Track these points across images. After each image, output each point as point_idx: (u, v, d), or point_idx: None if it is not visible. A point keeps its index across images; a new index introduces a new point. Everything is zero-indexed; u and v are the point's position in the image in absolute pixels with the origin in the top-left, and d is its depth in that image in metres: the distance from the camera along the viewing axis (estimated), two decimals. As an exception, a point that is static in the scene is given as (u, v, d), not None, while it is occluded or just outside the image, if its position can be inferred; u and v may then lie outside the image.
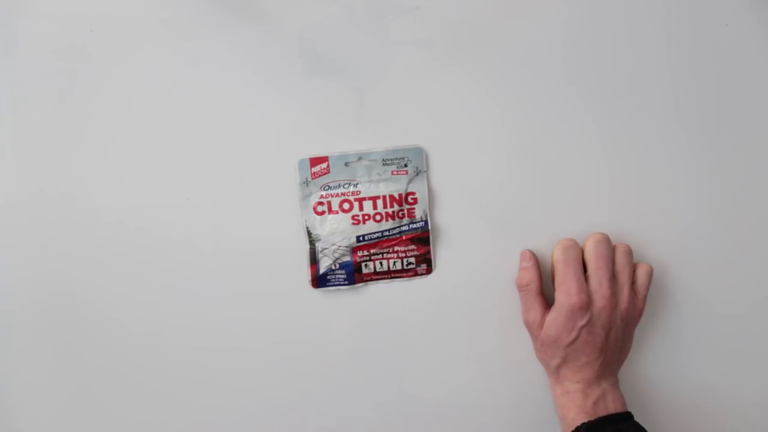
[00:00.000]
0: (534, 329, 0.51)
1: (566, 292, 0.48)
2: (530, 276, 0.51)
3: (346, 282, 0.53)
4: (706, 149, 0.53)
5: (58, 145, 0.53)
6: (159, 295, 0.54)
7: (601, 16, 0.52)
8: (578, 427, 0.47)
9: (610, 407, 0.48)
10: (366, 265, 0.53)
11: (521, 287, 0.51)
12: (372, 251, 0.53)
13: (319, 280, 0.53)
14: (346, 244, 0.53)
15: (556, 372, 0.50)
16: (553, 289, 0.50)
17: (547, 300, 0.52)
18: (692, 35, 0.52)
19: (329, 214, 0.53)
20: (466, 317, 0.54)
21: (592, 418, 0.47)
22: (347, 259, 0.53)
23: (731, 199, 0.53)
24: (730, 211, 0.53)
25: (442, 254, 0.54)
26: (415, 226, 0.53)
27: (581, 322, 0.48)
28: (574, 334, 0.48)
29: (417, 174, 0.52)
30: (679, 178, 0.53)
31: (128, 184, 0.53)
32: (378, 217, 0.53)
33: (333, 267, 0.53)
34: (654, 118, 0.52)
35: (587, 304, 0.48)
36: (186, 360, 0.55)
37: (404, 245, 0.53)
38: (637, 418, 0.48)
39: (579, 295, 0.48)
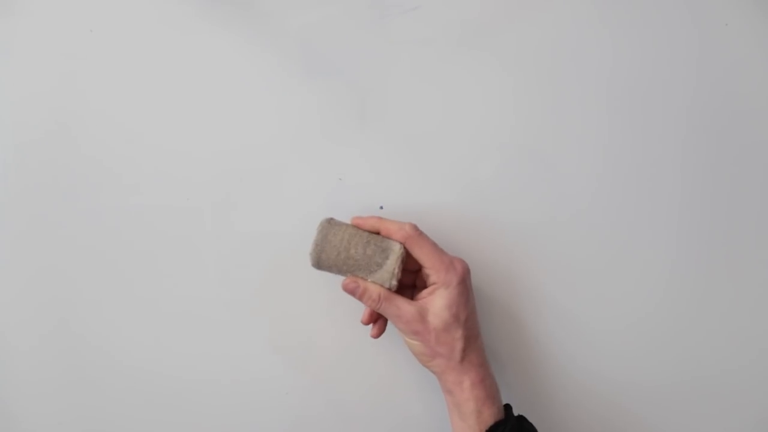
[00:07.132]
0: (418, 325, 0.46)
1: (449, 266, 0.46)
2: (375, 288, 0.47)
3: None
4: (706, 149, 0.53)
5: (58, 144, 0.53)
6: (158, 297, 0.54)
7: (601, 17, 0.52)
8: None
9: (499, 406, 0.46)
10: None
11: (377, 303, 0.46)
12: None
13: None
14: None
15: (461, 360, 0.46)
16: (414, 286, 0.49)
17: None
18: (692, 35, 0.52)
19: None
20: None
21: None
22: None
23: (731, 197, 0.53)
24: (728, 211, 0.53)
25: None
26: None
27: (471, 288, 0.47)
28: (472, 303, 0.47)
29: None
30: (678, 177, 0.53)
31: (128, 184, 0.53)
32: None
33: None
34: (653, 118, 0.52)
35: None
36: (187, 364, 0.55)
37: None
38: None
39: (462, 262, 0.47)
